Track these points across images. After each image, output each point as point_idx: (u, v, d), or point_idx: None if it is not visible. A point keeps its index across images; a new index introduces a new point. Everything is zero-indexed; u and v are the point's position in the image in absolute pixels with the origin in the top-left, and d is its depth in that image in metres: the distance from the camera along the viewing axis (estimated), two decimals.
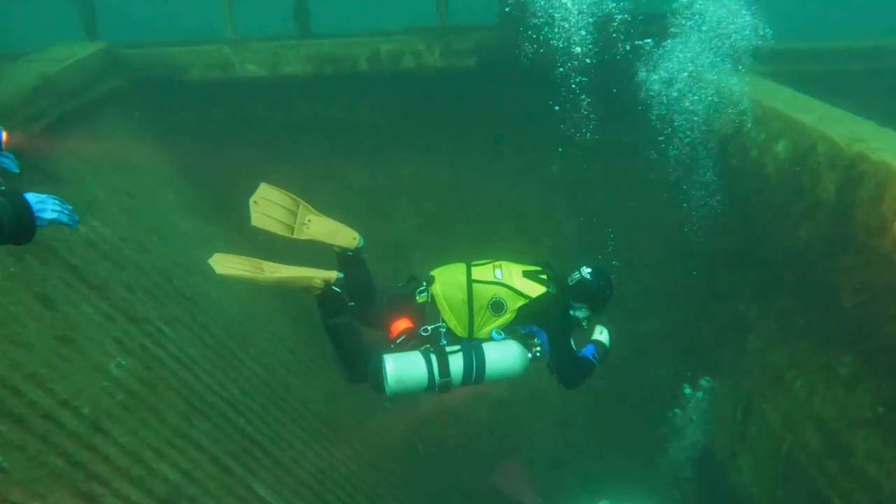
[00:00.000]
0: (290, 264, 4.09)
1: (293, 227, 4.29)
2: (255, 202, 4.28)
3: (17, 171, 2.96)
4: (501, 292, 4.14)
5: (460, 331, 4.16)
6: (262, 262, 4.02)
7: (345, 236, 4.32)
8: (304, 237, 4.27)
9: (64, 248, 5.15)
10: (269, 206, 4.31)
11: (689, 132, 7.02)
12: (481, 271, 4.27)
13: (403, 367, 4.00)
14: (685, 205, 7.31)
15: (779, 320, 6.45)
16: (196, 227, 7.14)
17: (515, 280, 4.19)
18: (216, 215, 7.61)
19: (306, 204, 4.37)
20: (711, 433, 7.61)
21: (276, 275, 3.94)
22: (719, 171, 6.80)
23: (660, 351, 8.70)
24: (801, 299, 6.08)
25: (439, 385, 4.04)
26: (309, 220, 4.33)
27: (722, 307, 7.43)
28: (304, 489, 5.83)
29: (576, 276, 4.28)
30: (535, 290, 4.16)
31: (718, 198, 6.87)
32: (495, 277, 4.18)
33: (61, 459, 3.99)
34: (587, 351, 4.28)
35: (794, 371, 6.17)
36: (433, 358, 4.02)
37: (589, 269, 4.28)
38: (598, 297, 4.29)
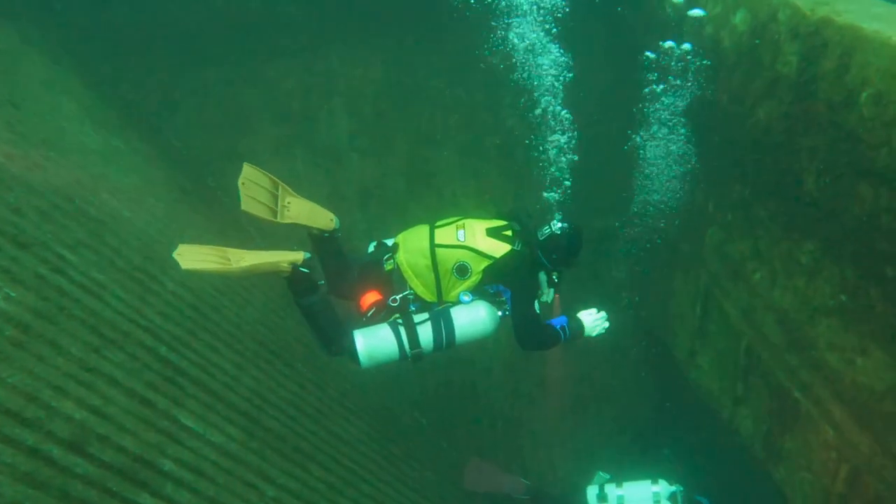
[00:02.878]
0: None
1: (276, 210, 4.31)
2: (243, 183, 4.32)
3: None
4: (465, 255, 4.13)
5: (429, 296, 4.21)
6: (227, 250, 4.08)
7: (322, 218, 4.32)
8: (286, 221, 4.30)
9: None
10: (253, 188, 4.33)
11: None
12: (444, 234, 4.23)
13: (373, 342, 4.11)
14: (644, 93, 6.80)
15: (737, 210, 6.09)
16: (102, 140, 6.41)
17: (479, 240, 4.14)
18: (125, 127, 6.88)
19: (286, 186, 4.35)
20: (670, 331, 7.40)
21: (243, 264, 3.98)
22: (676, 51, 6.25)
23: (615, 250, 8.39)
24: (761, 187, 5.69)
25: (411, 356, 4.12)
26: (288, 203, 4.33)
27: (680, 199, 7.04)
28: (238, 416, 5.43)
29: (546, 230, 4.21)
30: (500, 248, 4.11)
31: (675, 80, 6.36)
32: (458, 240, 4.16)
33: None
34: (558, 321, 4.22)
35: (753, 263, 5.86)
36: (402, 330, 4.09)
37: (560, 224, 4.19)
38: (568, 253, 4.22)
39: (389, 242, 4.52)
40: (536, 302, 4.22)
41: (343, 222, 4.56)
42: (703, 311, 6.64)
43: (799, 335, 5.34)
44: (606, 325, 4.36)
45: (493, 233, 4.22)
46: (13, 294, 4.39)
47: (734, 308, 6.13)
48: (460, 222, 4.30)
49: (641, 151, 7.01)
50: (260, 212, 4.31)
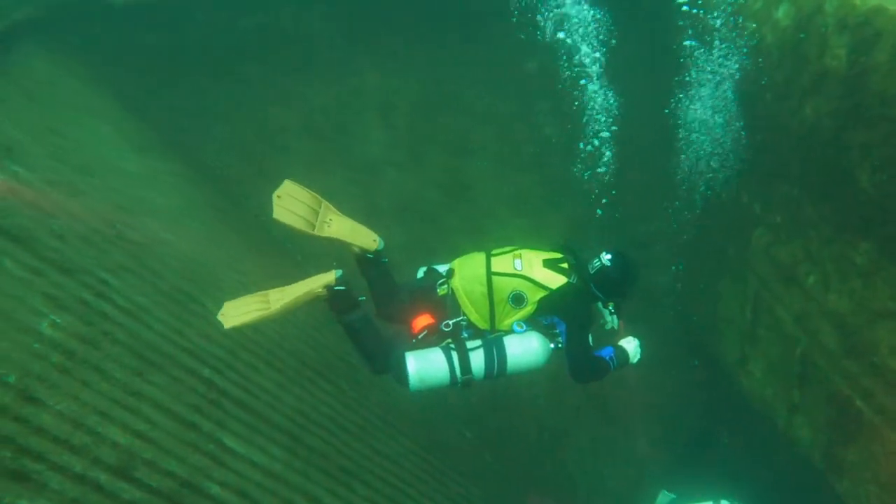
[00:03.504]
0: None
1: (314, 223, 4.28)
2: (279, 196, 4.31)
3: None
4: (521, 284, 4.09)
5: (482, 324, 4.15)
6: (267, 292, 4.13)
7: (365, 237, 4.28)
8: (324, 234, 4.26)
9: None
10: (291, 202, 4.32)
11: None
12: (501, 262, 4.20)
13: (425, 366, 4.02)
14: (679, 94, 6.65)
15: (786, 211, 5.87)
16: (141, 163, 6.49)
17: (535, 271, 4.11)
18: (163, 149, 6.95)
19: (328, 203, 4.34)
20: (718, 337, 7.18)
21: (283, 302, 4.02)
22: (716, 49, 6.08)
23: (660, 255, 8.20)
24: (810, 185, 5.48)
25: (461, 382, 4.05)
26: (330, 220, 4.30)
27: (725, 200, 6.84)
28: (281, 435, 5.40)
29: (595, 263, 4.16)
30: (556, 280, 4.07)
31: (714, 82, 6.19)
32: (515, 269, 4.12)
33: None
34: (606, 352, 4.22)
35: (805, 265, 5.64)
36: (454, 355, 4.03)
37: (609, 256, 4.13)
38: (621, 284, 4.17)
39: (441, 269, 4.48)
40: (590, 335, 4.18)
41: (381, 235, 4.47)
42: (754, 316, 6.41)
43: (857, 340, 5.11)
44: (640, 351, 4.38)
45: (550, 264, 4.20)
46: (59, 320, 4.42)
47: (787, 313, 5.91)
48: (517, 252, 4.29)
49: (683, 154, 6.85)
50: (294, 222, 4.29)
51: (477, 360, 4.05)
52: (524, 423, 8.13)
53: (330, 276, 4.10)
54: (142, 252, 5.60)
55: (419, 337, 4.18)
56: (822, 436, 5.70)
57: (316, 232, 4.27)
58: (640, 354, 4.35)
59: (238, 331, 4.05)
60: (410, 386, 4.07)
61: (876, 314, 4.92)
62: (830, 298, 5.44)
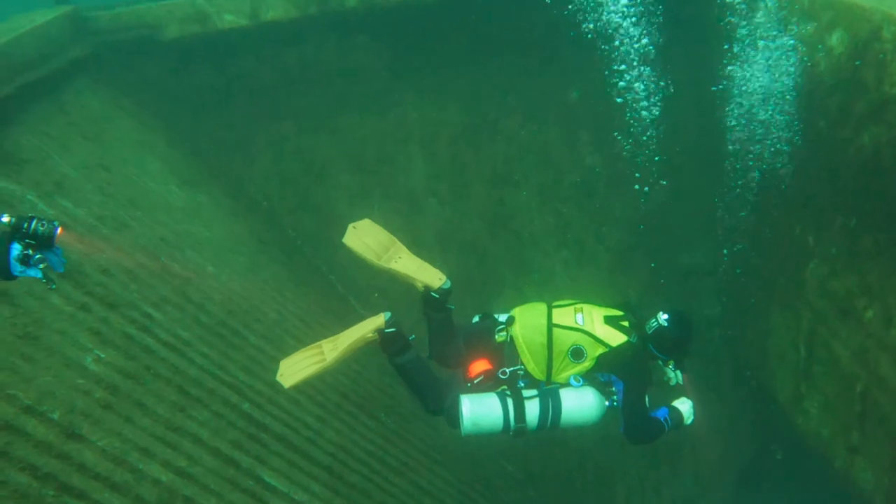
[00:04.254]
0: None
1: (381, 256, 4.33)
2: (354, 227, 4.40)
3: (62, 269, 2.96)
4: (582, 339, 4.09)
5: (538, 374, 4.15)
6: (321, 343, 4.10)
7: (431, 275, 4.26)
8: (388, 266, 4.29)
9: None
10: (365, 234, 4.40)
11: None
12: (562, 315, 4.20)
13: (480, 411, 4.00)
14: (728, 121, 6.50)
15: (842, 242, 5.64)
16: (186, 196, 6.58)
17: (597, 327, 4.11)
18: (208, 182, 7.05)
19: (402, 245, 4.42)
20: (769, 372, 6.93)
21: (337, 353, 4.01)
22: (765, 78, 5.93)
23: (706, 287, 7.97)
24: (869, 216, 5.26)
25: (514, 431, 4.04)
26: (400, 257, 4.35)
27: (775, 233, 6.62)
28: (321, 471, 5.35)
29: (653, 323, 4.13)
30: (616, 338, 4.07)
31: (765, 109, 6.03)
32: (576, 323, 4.13)
33: (25, 475, 3.52)
34: (661, 413, 4.23)
35: (864, 299, 5.40)
36: (510, 403, 4.01)
37: (666, 316, 4.10)
38: (678, 344, 4.16)
39: (500, 317, 4.44)
40: (647, 396, 4.16)
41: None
42: (809, 352, 6.16)
43: None
44: (693, 413, 4.35)
45: (611, 321, 4.16)
46: (103, 355, 4.46)
47: (844, 349, 5.65)
48: (578, 306, 4.25)
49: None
50: (362, 250, 4.31)
51: (532, 409, 4.03)
52: (568, 457, 7.93)
53: (379, 320, 4.09)
54: (185, 285, 5.64)
55: (475, 382, 4.16)
56: (884, 478, 5.40)
57: (381, 262, 4.29)
58: (694, 416, 4.33)
59: (298, 388, 4.06)
60: (463, 430, 4.03)
61: None
62: (892, 333, 5.19)
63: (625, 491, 8.13)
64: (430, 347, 4.40)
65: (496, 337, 4.27)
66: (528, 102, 8.11)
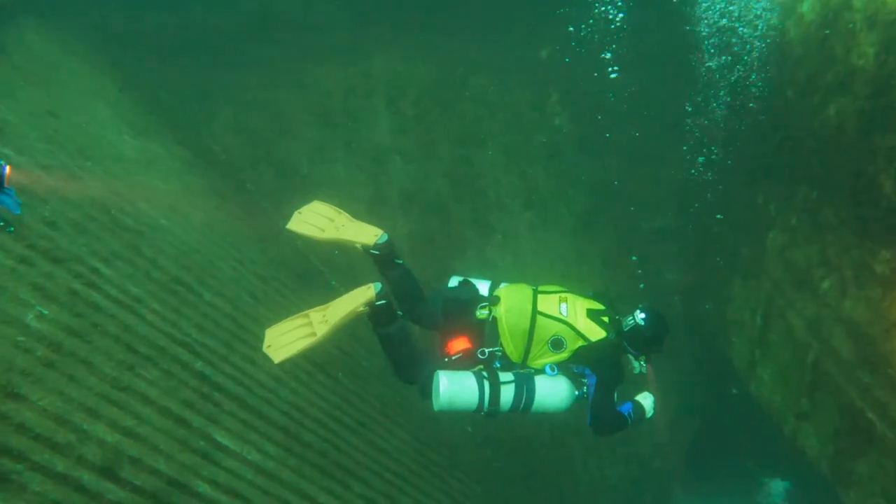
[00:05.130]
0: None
1: (324, 229, 4.38)
2: (300, 213, 4.46)
3: (18, 211, 2.89)
4: (564, 331, 4.16)
5: (515, 357, 4.19)
6: (308, 314, 4.03)
7: (366, 233, 4.31)
8: (329, 236, 4.33)
9: None
10: (308, 215, 4.46)
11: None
12: (547, 302, 4.26)
13: (457, 390, 4.02)
14: (695, 86, 6.43)
15: (803, 213, 5.66)
16: (140, 146, 6.33)
17: (579, 320, 4.20)
18: (164, 132, 6.79)
19: (349, 216, 4.44)
20: (726, 339, 7.00)
21: (329, 325, 3.94)
22: (733, 44, 5.84)
23: (669, 252, 7.98)
24: (831, 188, 5.26)
25: (486, 412, 4.10)
26: (343, 225, 4.38)
27: (738, 200, 6.62)
28: (276, 431, 5.29)
29: (630, 321, 4.25)
30: (596, 333, 4.17)
31: (734, 75, 5.96)
32: (560, 313, 4.20)
33: None
34: (625, 408, 4.32)
35: (821, 270, 5.45)
36: (486, 385, 4.05)
37: (643, 315, 4.23)
38: (651, 342, 4.28)
39: (479, 284, 4.47)
40: (616, 392, 4.26)
41: (385, 226, 4.41)
42: (765, 321, 6.23)
43: (873, 351, 4.92)
44: (654, 408, 4.51)
45: (593, 315, 4.25)
46: (46, 312, 4.29)
47: (799, 318, 5.72)
48: (563, 295, 4.31)
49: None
50: (306, 230, 4.37)
51: (507, 394, 4.07)
52: (526, 420, 8.00)
53: (370, 292, 4.03)
54: (137, 240, 5.45)
55: (453, 358, 4.16)
56: (830, 446, 5.54)
57: (324, 235, 4.34)
58: (654, 410, 4.47)
59: (288, 362, 3.94)
60: (437, 406, 4.04)
61: (894, 325, 4.72)
62: (846, 305, 5.25)
63: (581, 452, 8.25)
64: (401, 305, 4.38)
65: (477, 313, 4.26)
66: (497, 59, 7.93)
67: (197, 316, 5.41)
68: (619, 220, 7.88)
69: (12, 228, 2.81)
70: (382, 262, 4.35)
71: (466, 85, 7.93)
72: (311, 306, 6.98)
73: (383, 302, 4.06)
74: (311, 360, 6.22)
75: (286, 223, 4.43)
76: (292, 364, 5.96)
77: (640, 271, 7.78)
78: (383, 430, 6.55)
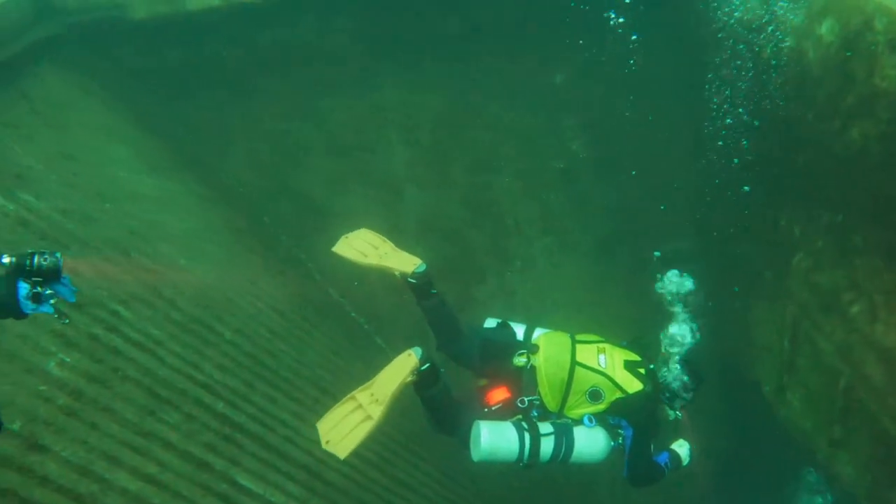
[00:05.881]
0: None
1: (367, 255, 4.48)
2: (346, 238, 4.60)
3: (73, 299, 2.86)
4: (602, 382, 4.18)
5: (552, 407, 4.22)
6: (355, 395, 3.98)
7: (405, 261, 4.39)
8: (369, 262, 4.43)
9: None
10: (355, 240, 4.59)
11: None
12: (586, 353, 4.29)
13: (497, 443, 4.02)
14: (713, 108, 6.36)
15: (828, 236, 5.55)
16: (158, 185, 6.36)
17: (617, 372, 4.22)
18: (180, 169, 6.82)
19: (390, 243, 4.57)
20: (753, 364, 6.88)
21: (382, 404, 3.85)
22: (750, 66, 5.78)
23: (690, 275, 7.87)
24: (857, 212, 5.16)
25: (525, 464, 4.11)
26: (385, 253, 4.48)
27: (761, 223, 6.52)
28: (298, 470, 5.24)
29: (665, 372, 4.33)
30: (633, 385, 4.20)
31: (753, 98, 5.89)
32: (599, 365, 4.23)
33: None
34: (662, 458, 4.37)
35: (850, 294, 5.33)
36: (527, 437, 4.05)
37: (678, 366, 4.31)
38: (688, 394, 4.35)
39: (516, 328, 4.50)
40: (652, 444, 4.30)
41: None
42: (792, 345, 6.09)
43: None
44: (690, 456, 4.56)
45: (630, 367, 4.28)
46: (67, 359, 4.28)
47: (828, 343, 5.59)
48: (601, 345, 4.35)
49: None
50: (348, 253, 4.50)
51: (546, 446, 4.08)
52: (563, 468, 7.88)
53: (413, 360, 3.98)
54: (156, 280, 5.46)
55: (493, 409, 4.19)
56: (866, 474, 5.38)
57: (366, 260, 4.43)
58: (690, 458, 4.50)
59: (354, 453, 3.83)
60: (478, 457, 4.05)
61: None
62: (877, 330, 5.12)
63: (608, 479, 8.10)
64: (437, 338, 4.48)
65: (515, 360, 4.26)
66: (510, 86, 7.91)
67: (217, 356, 5.39)
68: (639, 243, 7.80)
69: (68, 320, 2.82)
70: (419, 291, 4.38)
71: (480, 112, 7.92)
72: (331, 339, 6.98)
73: (428, 366, 4.01)
74: (333, 396, 6.13)
75: (333, 246, 4.57)
76: (312, 400, 5.97)
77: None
78: (408, 465, 6.48)
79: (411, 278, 4.31)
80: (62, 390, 4.11)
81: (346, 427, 3.85)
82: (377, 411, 3.81)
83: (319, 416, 5.82)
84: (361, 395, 3.94)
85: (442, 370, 4.15)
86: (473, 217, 7.82)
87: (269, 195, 7.67)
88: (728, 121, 6.30)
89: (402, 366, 3.96)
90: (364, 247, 4.52)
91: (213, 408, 4.97)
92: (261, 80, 7.52)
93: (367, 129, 7.79)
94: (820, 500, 6.97)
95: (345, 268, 7.38)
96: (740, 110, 6.15)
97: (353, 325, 7.46)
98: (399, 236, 7.49)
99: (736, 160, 6.48)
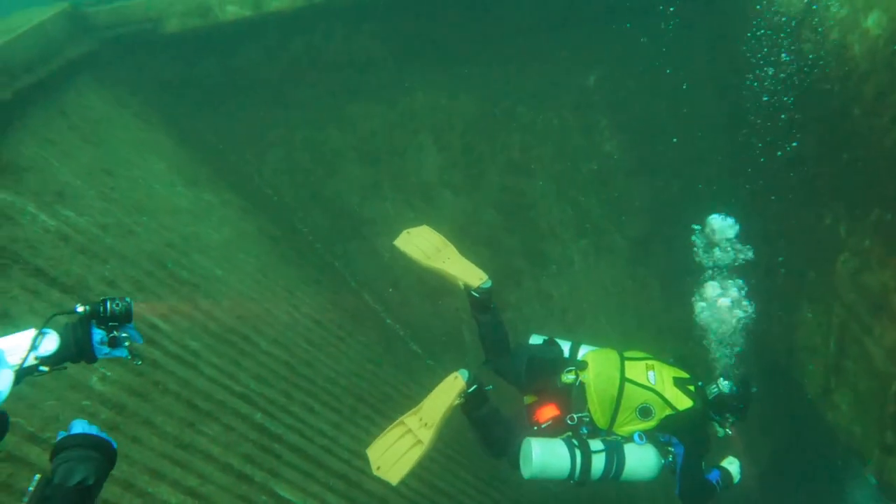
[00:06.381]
0: None
1: (430, 256, 4.45)
2: (408, 232, 4.62)
3: (141, 340, 2.90)
4: (652, 399, 4.17)
5: (602, 424, 4.20)
6: (403, 421, 4.04)
7: (472, 274, 4.35)
8: (434, 265, 4.42)
9: (26, 248, 4.48)
10: (417, 237, 4.60)
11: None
12: (635, 370, 4.27)
13: (548, 460, 4.01)
14: (753, 105, 6.20)
15: (876, 236, 5.36)
16: (193, 196, 6.42)
17: (667, 389, 4.20)
18: (215, 180, 6.87)
19: (453, 247, 4.58)
20: (798, 365, 6.69)
21: (431, 428, 3.90)
22: (793, 61, 5.63)
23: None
24: None
25: (577, 480, 4.10)
26: (448, 258, 4.48)
27: (804, 222, 6.34)
28: (337, 480, 5.22)
29: (713, 389, 4.28)
30: (683, 402, 4.17)
31: (794, 93, 5.73)
32: (649, 382, 4.22)
33: None
34: (713, 475, 4.31)
35: None
36: (578, 455, 4.04)
37: (727, 382, 4.26)
38: (737, 410, 4.30)
39: (563, 344, 4.50)
40: (703, 461, 4.28)
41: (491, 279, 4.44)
42: (839, 347, 5.91)
43: None
44: (741, 472, 4.49)
45: (679, 384, 4.27)
46: (109, 374, 4.33)
47: (878, 346, 5.40)
48: (650, 362, 4.34)
49: None
50: (411, 251, 4.48)
51: (598, 463, 4.07)
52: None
53: (460, 383, 4.03)
54: (194, 292, 5.50)
55: (542, 427, 4.20)
56: None
57: (430, 262, 4.41)
58: (741, 475, 4.44)
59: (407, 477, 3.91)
60: (529, 473, 4.05)
61: None
62: None
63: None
64: (486, 353, 4.50)
65: (563, 377, 4.25)
66: (543, 87, 7.82)
67: (255, 366, 5.41)
68: (675, 243, 7.65)
69: (140, 361, 2.95)
70: (479, 305, 4.39)
71: (513, 115, 7.84)
72: (367, 347, 6.96)
73: (475, 388, 4.03)
74: (370, 405, 6.16)
75: (394, 239, 4.59)
76: (350, 409, 5.96)
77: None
78: (446, 472, 6.43)
79: (475, 292, 4.31)
80: (105, 405, 4.16)
81: (396, 453, 3.89)
82: (427, 436, 3.85)
83: (357, 426, 5.91)
84: (410, 419, 3.99)
85: (489, 387, 4.16)
86: (507, 221, 7.75)
87: (302, 203, 7.70)
88: (767, 119, 6.15)
89: (450, 389, 4.00)
90: (426, 246, 4.51)
91: (251, 418, 4.98)
92: (292, 88, 7.55)
93: (399, 135, 7.77)
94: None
95: (377, 272, 7.43)
96: (785, 102, 5.99)
97: (389, 332, 7.44)
98: None
99: (779, 153, 6.32)
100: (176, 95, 7.13)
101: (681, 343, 7.31)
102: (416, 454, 3.86)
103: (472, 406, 4.10)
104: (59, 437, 2.38)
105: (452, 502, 6.25)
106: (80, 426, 2.46)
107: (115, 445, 2.47)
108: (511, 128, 7.80)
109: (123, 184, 5.75)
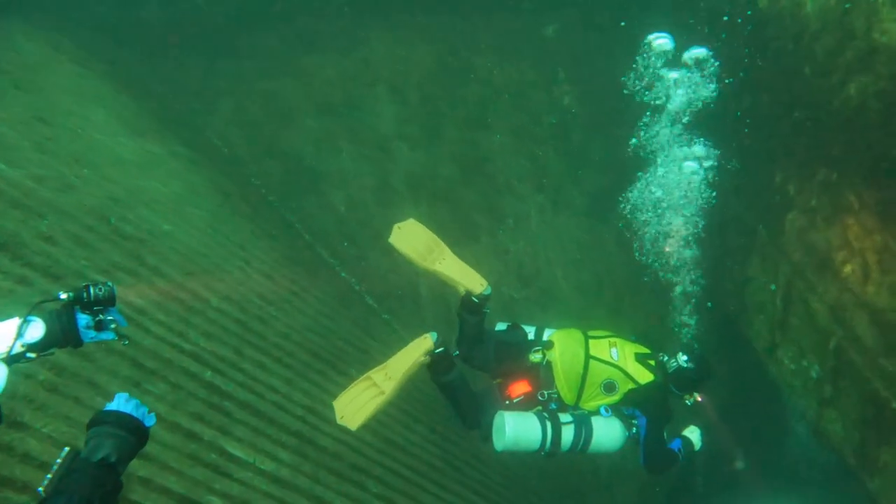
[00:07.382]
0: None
1: (426, 257, 4.46)
2: (399, 228, 4.54)
3: (125, 323, 2.94)
4: (615, 374, 4.40)
5: (569, 399, 4.44)
6: (370, 375, 4.21)
7: (474, 280, 4.41)
8: (433, 267, 4.43)
9: None
10: (410, 234, 4.53)
11: None
12: (599, 347, 4.50)
13: (520, 432, 4.21)
14: (707, 61, 6.15)
15: (822, 195, 5.45)
16: (138, 147, 6.20)
17: (629, 364, 4.43)
18: (162, 130, 6.64)
19: (446, 246, 4.53)
20: (746, 320, 6.84)
21: (394, 380, 4.11)
22: (746, 17, 5.58)
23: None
24: (852, 171, 5.05)
25: (547, 452, 4.29)
26: (443, 259, 4.49)
27: (754, 180, 6.40)
28: (289, 437, 5.22)
29: (673, 364, 4.50)
30: (645, 376, 4.41)
31: (746, 50, 5.69)
32: (612, 358, 4.45)
33: None
34: (675, 444, 4.58)
35: (843, 254, 5.26)
36: (548, 426, 4.25)
37: (685, 357, 4.47)
38: (695, 383, 4.51)
39: (528, 329, 4.66)
40: (665, 431, 4.48)
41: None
42: (785, 304, 6.06)
43: None
44: (702, 439, 4.73)
45: (640, 359, 4.48)
46: None
47: (821, 303, 5.55)
48: (612, 339, 4.55)
49: None
50: (408, 251, 4.46)
51: (567, 434, 4.28)
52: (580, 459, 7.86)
53: (427, 342, 4.22)
54: (140, 248, 5.36)
55: (514, 402, 4.39)
56: (855, 433, 5.41)
57: (424, 264, 4.43)
58: (702, 441, 4.70)
59: (364, 426, 4.16)
60: (502, 445, 4.22)
61: None
62: (869, 291, 5.08)
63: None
64: (459, 346, 4.57)
65: (531, 357, 4.44)
66: (502, 39, 7.67)
67: (204, 323, 5.33)
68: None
69: (127, 341, 2.95)
70: (473, 308, 4.45)
71: (471, 67, 7.70)
72: (322, 302, 6.92)
73: (442, 350, 4.21)
74: (324, 360, 6.13)
75: (389, 236, 4.50)
76: (303, 365, 5.94)
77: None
78: (400, 427, 6.48)
79: (475, 298, 4.40)
80: (42, 366, 4.05)
81: (359, 402, 4.16)
82: (389, 386, 4.06)
83: (311, 381, 5.89)
84: (376, 374, 4.19)
85: (456, 353, 4.36)
86: (465, 175, 7.68)
87: (256, 156, 7.50)
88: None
89: (417, 347, 4.19)
90: (420, 244, 4.52)
91: (200, 376, 4.92)
92: (244, 36, 7.28)
93: (355, 86, 7.58)
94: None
95: (333, 226, 7.34)
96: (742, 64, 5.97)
97: (345, 287, 7.39)
98: (390, 195, 7.43)
99: (738, 113, 6.33)
100: (116, 40, 6.81)
101: (636, 296, 7.42)
102: (376, 403, 4.07)
103: (439, 369, 4.27)
104: (102, 410, 2.48)
105: (408, 456, 6.32)
106: (119, 399, 2.56)
107: (151, 422, 2.59)
108: (469, 80, 7.66)
109: (61, 134, 5.51)
